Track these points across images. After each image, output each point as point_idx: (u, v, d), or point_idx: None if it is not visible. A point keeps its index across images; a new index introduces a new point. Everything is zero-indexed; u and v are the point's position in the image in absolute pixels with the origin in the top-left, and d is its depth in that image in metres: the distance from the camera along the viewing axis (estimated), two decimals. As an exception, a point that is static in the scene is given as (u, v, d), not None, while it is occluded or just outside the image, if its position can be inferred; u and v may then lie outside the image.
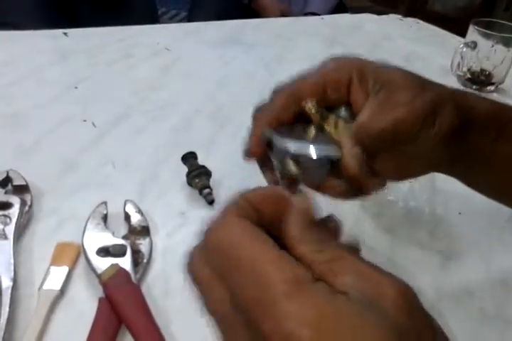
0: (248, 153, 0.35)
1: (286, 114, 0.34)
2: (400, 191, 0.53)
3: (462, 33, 0.91)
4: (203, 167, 0.54)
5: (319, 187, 0.35)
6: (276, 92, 0.35)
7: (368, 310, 0.20)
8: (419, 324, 0.21)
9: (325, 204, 0.58)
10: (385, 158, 0.35)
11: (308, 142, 0.33)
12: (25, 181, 0.52)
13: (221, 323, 0.23)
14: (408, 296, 0.21)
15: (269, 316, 0.20)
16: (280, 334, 0.19)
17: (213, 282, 0.23)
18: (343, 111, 0.35)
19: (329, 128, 0.34)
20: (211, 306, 0.23)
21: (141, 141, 0.66)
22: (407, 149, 0.34)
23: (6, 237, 0.45)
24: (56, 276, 0.43)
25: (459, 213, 0.57)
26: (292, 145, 0.32)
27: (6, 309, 0.39)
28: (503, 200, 0.41)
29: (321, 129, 0.34)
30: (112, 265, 0.43)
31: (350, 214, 0.55)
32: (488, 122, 0.35)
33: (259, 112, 0.35)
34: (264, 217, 0.25)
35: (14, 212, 0.48)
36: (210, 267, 0.23)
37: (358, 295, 0.20)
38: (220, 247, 0.23)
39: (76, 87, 0.77)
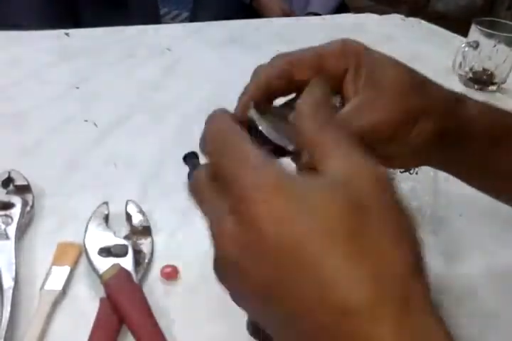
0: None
1: (278, 84, 0.34)
2: (401, 191, 0.52)
3: (464, 33, 0.91)
4: (205, 167, 0.54)
5: None
6: (274, 60, 0.35)
7: (331, 185, 0.21)
8: (385, 205, 0.21)
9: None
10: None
11: (280, 130, 0.31)
12: (27, 181, 0.52)
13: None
14: (382, 179, 0.22)
15: (238, 184, 0.22)
16: (242, 200, 0.21)
17: (213, 194, 0.24)
18: (335, 100, 0.35)
19: None
20: (213, 220, 0.24)
21: (142, 141, 0.66)
22: (386, 148, 0.34)
23: (7, 237, 0.45)
24: (58, 276, 0.43)
25: (460, 215, 0.57)
26: (264, 129, 0.31)
27: (7, 309, 0.39)
28: (499, 198, 0.41)
29: None
30: (114, 265, 0.43)
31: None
32: (485, 132, 0.35)
33: (255, 75, 0.35)
34: None
35: (16, 212, 0.48)
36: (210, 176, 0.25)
37: (333, 174, 0.22)
38: (215, 139, 0.25)
39: (78, 87, 0.77)
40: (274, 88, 0.33)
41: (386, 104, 0.32)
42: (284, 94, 0.34)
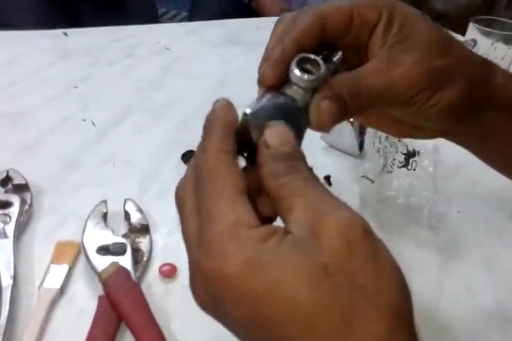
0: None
1: (310, 40, 0.31)
2: (400, 187, 0.52)
3: (462, 31, 0.91)
4: (203, 165, 0.54)
5: None
6: (303, 13, 0.32)
7: (295, 253, 0.21)
8: (356, 265, 0.21)
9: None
10: (379, 115, 0.34)
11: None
12: (25, 180, 0.52)
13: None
14: (349, 234, 0.21)
15: (203, 248, 0.22)
16: (206, 267, 0.22)
17: (190, 212, 0.24)
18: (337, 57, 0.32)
19: None
20: (184, 232, 0.25)
21: (141, 139, 0.66)
22: (402, 112, 0.32)
23: (6, 236, 0.45)
24: (56, 275, 0.43)
25: (458, 212, 0.57)
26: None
27: (6, 307, 0.39)
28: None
29: None
30: (112, 263, 0.43)
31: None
32: (510, 102, 0.33)
33: (279, 25, 0.33)
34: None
35: (14, 210, 0.48)
36: (192, 195, 0.25)
37: (298, 235, 0.21)
38: (198, 176, 0.25)
39: (76, 87, 0.77)
40: (306, 45, 0.31)
41: (411, 63, 0.30)
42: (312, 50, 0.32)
